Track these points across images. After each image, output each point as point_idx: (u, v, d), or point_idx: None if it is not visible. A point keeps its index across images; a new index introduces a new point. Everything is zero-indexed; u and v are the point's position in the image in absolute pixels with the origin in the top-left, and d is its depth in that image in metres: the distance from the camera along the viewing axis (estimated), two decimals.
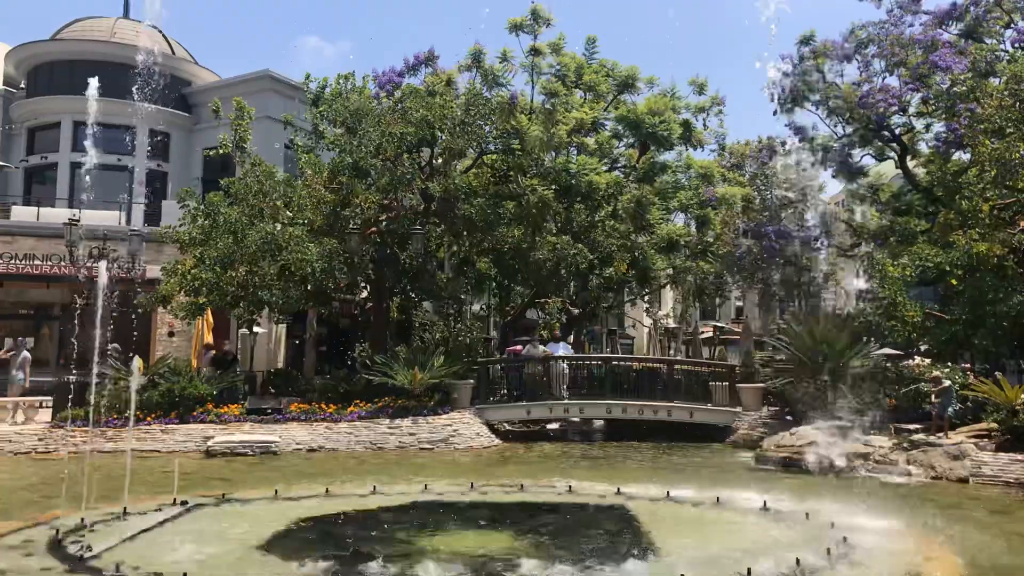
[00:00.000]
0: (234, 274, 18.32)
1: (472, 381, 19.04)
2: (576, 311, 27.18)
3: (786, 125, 26.48)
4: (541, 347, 20.30)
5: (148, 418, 16.48)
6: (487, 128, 21.46)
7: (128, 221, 25.70)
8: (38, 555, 7.17)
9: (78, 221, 19.00)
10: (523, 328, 26.58)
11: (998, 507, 10.45)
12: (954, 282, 16.26)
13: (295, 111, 25.33)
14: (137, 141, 28.79)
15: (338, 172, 19.79)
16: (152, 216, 26.67)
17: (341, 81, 22.11)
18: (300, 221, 19.60)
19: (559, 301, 26.57)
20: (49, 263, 23.68)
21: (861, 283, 29.92)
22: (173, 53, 31.08)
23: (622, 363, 21.87)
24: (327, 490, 10.52)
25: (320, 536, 8.32)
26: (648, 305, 35.71)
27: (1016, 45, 22.38)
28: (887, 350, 18.55)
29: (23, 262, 23.63)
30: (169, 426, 16.30)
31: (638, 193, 24.28)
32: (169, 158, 29.59)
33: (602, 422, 21.28)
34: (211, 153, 22.91)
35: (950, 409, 14.80)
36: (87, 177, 26.41)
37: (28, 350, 20.30)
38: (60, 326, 25.77)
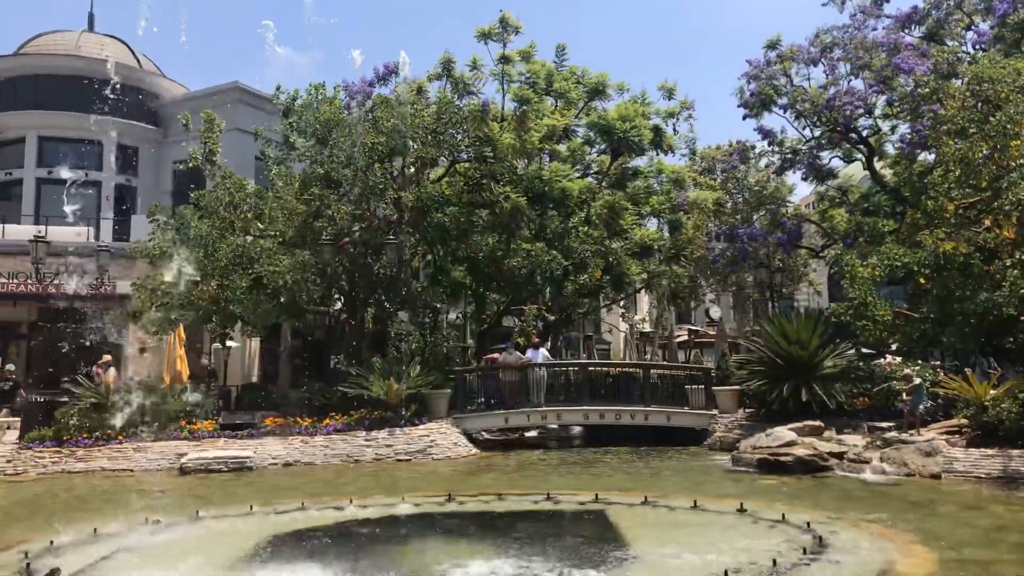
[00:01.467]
0: (205, 288, 18.13)
1: (449, 391, 18.97)
2: (552, 317, 27.21)
3: (755, 129, 26.77)
4: (517, 354, 20.28)
5: (120, 436, 16.21)
6: (459, 136, 21.48)
7: (97, 237, 25.37)
8: None
9: (45, 238, 18.72)
10: (499, 336, 26.56)
11: (970, 502, 10.59)
12: (922, 281, 16.47)
13: (265, 123, 25.18)
14: (105, 156, 28.46)
15: (309, 183, 19.69)
16: (122, 232, 26.36)
17: (312, 92, 22.01)
18: (272, 233, 19.47)
19: (535, 308, 26.59)
20: (15, 281, 23.28)
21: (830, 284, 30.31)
22: (140, 66, 30.79)
23: (599, 368, 21.89)
24: (303, 505, 10.41)
25: (296, 552, 8.22)
26: (623, 310, 35.82)
27: (977, 46, 22.82)
28: (859, 349, 18.80)
29: None
30: (141, 444, 16.05)
31: (611, 199, 24.40)
32: (138, 172, 29.25)
33: (580, 428, 21.29)
34: (181, 166, 22.69)
35: (921, 406, 15.01)
36: (69, 191, 26.06)
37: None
38: (28, 345, 25.34)
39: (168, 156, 29.14)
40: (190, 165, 21.64)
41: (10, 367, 17.64)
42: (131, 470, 15.07)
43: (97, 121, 27.30)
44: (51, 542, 8.42)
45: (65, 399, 17.01)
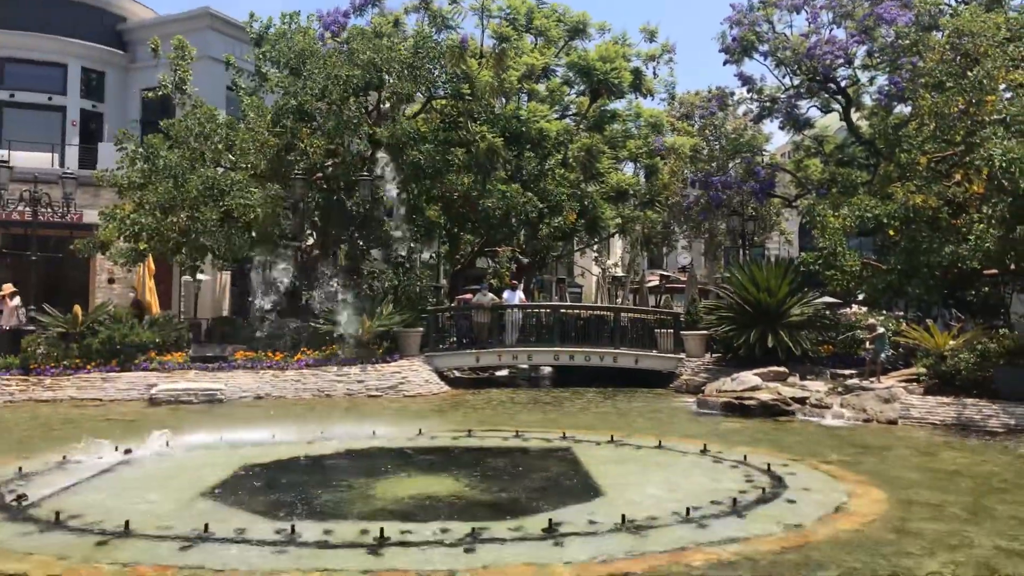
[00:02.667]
0: (175, 219, 17.87)
1: (421, 329, 19.05)
2: (526, 260, 27.27)
3: (735, 75, 26.59)
4: (491, 295, 20.35)
5: (88, 366, 16.12)
6: (436, 72, 21.09)
7: (62, 163, 24.75)
8: None
9: (8, 163, 18.22)
10: (472, 277, 26.59)
11: (923, 447, 10.96)
12: (891, 233, 16.71)
13: (237, 51, 24.49)
14: (69, 79, 27.57)
15: (282, 115, 19.30)
16: (88, 159, 25.71)
17: (285, 21, 21.40)
18: (243, 165, 19.14)
19: (509, 249, 26.62)
20: None
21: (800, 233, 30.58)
22: None
23: (570, 311, 22.07)
24: (273, 436, 10.50)
25: (266, 482, 8.32)
26: (596, 254, 35.98)
27: None
28: (826, 298, 19.12)
29: None
30: (110, 374, 15.99)
31: (588, 141, 24.26)
32: (104, 98, 28.39)
33: (550, 369, 21.56)
34: (150, 94, 22.04)
35: (883, 355, 15.39)
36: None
37: None
38: None
39: (136, 82, 28.26)
40: (159, 93, 21.04)
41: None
42: (100, 400, 15.04)
43: (61, 42, 26.41)
44: (19, 468, 8.43)
45: (31, 328, 16.82)
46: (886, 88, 23.36)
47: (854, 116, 26.01)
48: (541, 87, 25.94)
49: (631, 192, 26.34)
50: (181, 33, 22.64)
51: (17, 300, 18.38)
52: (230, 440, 10.34)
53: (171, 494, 7.47)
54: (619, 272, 40.86)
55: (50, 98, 27.43)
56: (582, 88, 26.56)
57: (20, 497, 7.11)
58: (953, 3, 22.89)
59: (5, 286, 18.01)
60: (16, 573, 5.28)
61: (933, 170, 16.73)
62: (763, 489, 7.68)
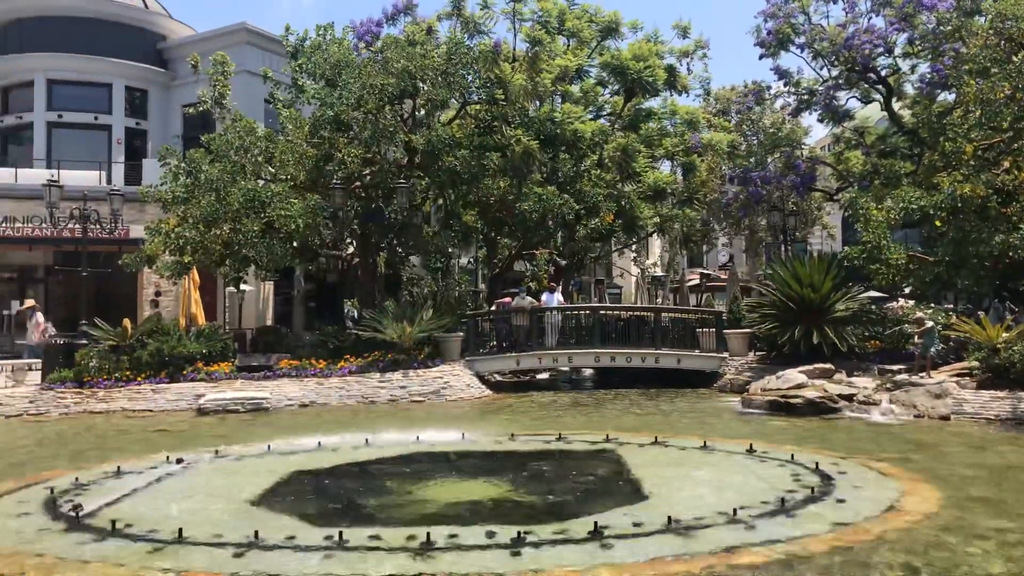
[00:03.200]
0: (218, 232, 18.21)
1: (461, 334, 19.13)
2: (563, 262, 27.23)
3: (771, 69, 26.23)
4: (529, 299, 20.36)
5: (139, 378, 16.51)
6: (470, 78, 21.19)
7: (108, 181, 25.39)
8: (33, 515, 7.24)
9: (58, 182, 18.76)
10: (511, 280, 26.64)
11: (977, 443, 10.69)
12: (938, 224, 16.34)
13: (274, 65, 24.89)
14: (114, 99, 28.30)
15: (319, 126, 19.55)
16: (133, 175, 26.36)
17: (320, 33, 21.69)
18: (282, 177, 19.44)
19: (546, 252, 26.61)
20: (30, 225, 23.46)
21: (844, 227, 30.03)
22: (147, 7, 30.34)
23: (610, 312, 21.96)
24: (319, 444, 10.63)
25: (314, 489, 8.44)
26: (635, 254, 35.76)
27: None
28: (871, 293, 18.75)
29: (3, 225, 23.41)
30: (160, 385, 16.35)
31: (624, 141, 24.14)
32: (148, 115, 29.08)
33: (591, 371, 21.48)
34: (191, 110, 22.52)
35: (932, 349, 15.04)
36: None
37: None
38: (45, 288, 25.65)
39: (177, 99, 28.90)
40: (199, 108, 21.49)
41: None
42: (150, 410, 15.38)
43: (105, 63, 27.12)
44: (75, 479, 8.66)
45: (84, 341, 17.28)
46: (928, 76, 22.84)
47: (895, 106, 25.48)
48: (575, 88, 25.89)
49: (669, 191, 26.13)
50: (219, 49, 23.11)
51: (40, 316, 18.84)
52: (277, 448, 10.50)
53: (222, 502, 7.61)
54: (658, 272, 40.56)
55: (96, 117, 28.19)
56: (616, 88, 26.46)
57: (77, 507, 7.30)
58: None
59: (27, 301, 18.40)
60: None
61: (980, 158, 16.32)
62: (812, 488, 7.56)
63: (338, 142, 19.25)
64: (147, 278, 23.79)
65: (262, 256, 18.40)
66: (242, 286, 22.32)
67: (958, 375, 14.26)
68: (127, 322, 17.68)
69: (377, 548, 5.95)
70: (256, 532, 6.25)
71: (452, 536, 6.14)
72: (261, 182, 19.34)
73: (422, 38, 22.04)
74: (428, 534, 6.02)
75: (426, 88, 20.27)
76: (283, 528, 6.54)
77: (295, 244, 19.19)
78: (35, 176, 23.46)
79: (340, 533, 6.18)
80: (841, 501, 7.19)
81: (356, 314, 20.54)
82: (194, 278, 20.70)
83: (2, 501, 7.86)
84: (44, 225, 22.32)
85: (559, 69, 23.86)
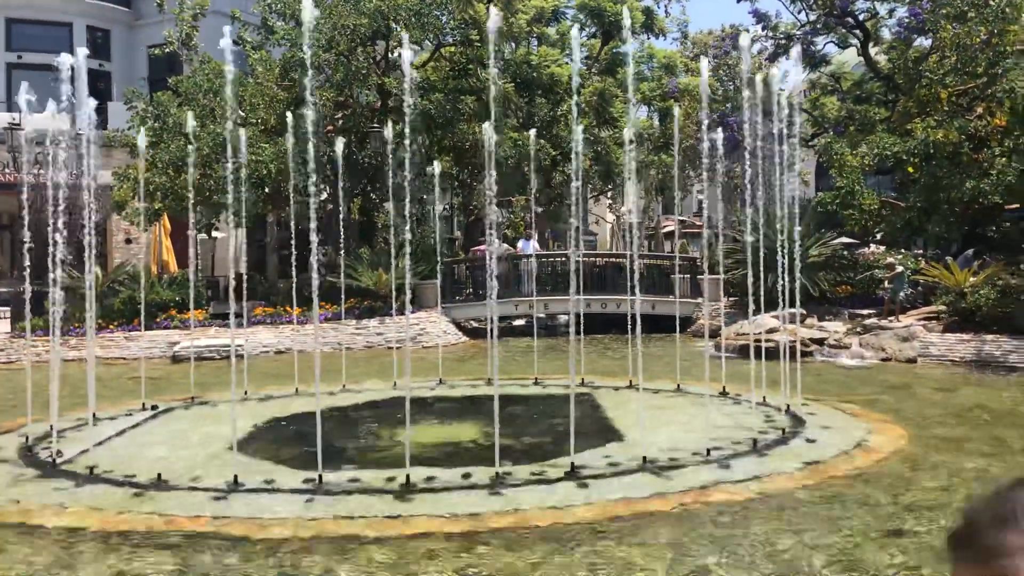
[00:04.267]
0: (188, 177, 17.85)
1: (437, 281, 19.07)
2: (540, 209, 27.13)
3: (749, 12, 25.91)
4: (505, 245, 20.33)
5: (111, 326, 16.33)
6: (444, 18, 20.74)
7: (72, 124, 24.69)
8: (9, 463, 7.21)
9: (20, 125, 18.22)
10: (487, 227, 26.53)
11: (943, 384, 10.97)
12: (911, 170, 16.47)
13: (243, 5, 24.15)
14: (75, 38, 27.37)
15: (290, 68, 19.09)
16: (98, 119, 25.67)
17: None
18: (253, 121, 19.03)
19: (522, 199, 26.48)
20: None
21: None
22: None
23: (585, 259, 22.01)
24: (296, 390, 10.65)
25: (291, 434, 8.48)
26: (611, 200, 35.75)
27: None
28: (844, 239, 18.96)
29: None
30: (133, 333, 16.19)
31: (601, 85, 23.90)
32: (111, 57, 28.20)
33: (566, 317, 21.60)
34: (156, 51, 21.87)
35: (902, 294, 15.29)
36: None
37: None
38: (11, 235, 25.11)
39: (142, 40, 28.02)
40: (166, 50, 20.88)
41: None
42: (124, 358, 15.27)
43: (68, 2, 26.13)
44: (51, 426, 8.60)
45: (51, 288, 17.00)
46: (906, 20, 22.68)
47: (872, 51, 25.35)
48: (551, 31, 25.47)
49: (645, 136, 26.02)
50: None
51: None
52: (254, 394, 10.49)
53: (201, 448, 7.63)
54: (634, 218, 40.58)
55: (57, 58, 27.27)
56: (593, 31, 26.07)
57: (56, 454, 7.27)
58: None
59: None
60: (57, 526, 5.43)
61: (954, 104, 16.39)
62: (783, 429, 7.74)
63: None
64: (117, 224, 23.37)
65: (233, 202, 18.07)
66: (214, 233, 22.01)
67: (925, 319, 14.56)
68: (98, 269, 17.40)
69: (357, 491, 6.01)
70: (236, 477, 6.28)
71: (431, 478, 6.22)
72: (230, 126, 18.91)
73: None
74: (408, 476, 6.09)
75: (398, 29, 19.81)
76: (263, 472, 6.58)
77: (267, 190, 18.90)
78: None
79: (320, 476, 6.23)
80: (811, 441, 7.38)
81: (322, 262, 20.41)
82: (165, 225, 20.37)
83: None
84: (7, 170, 21.76)
85: (535, 10, 23.43)
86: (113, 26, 28.18)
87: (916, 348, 13.16)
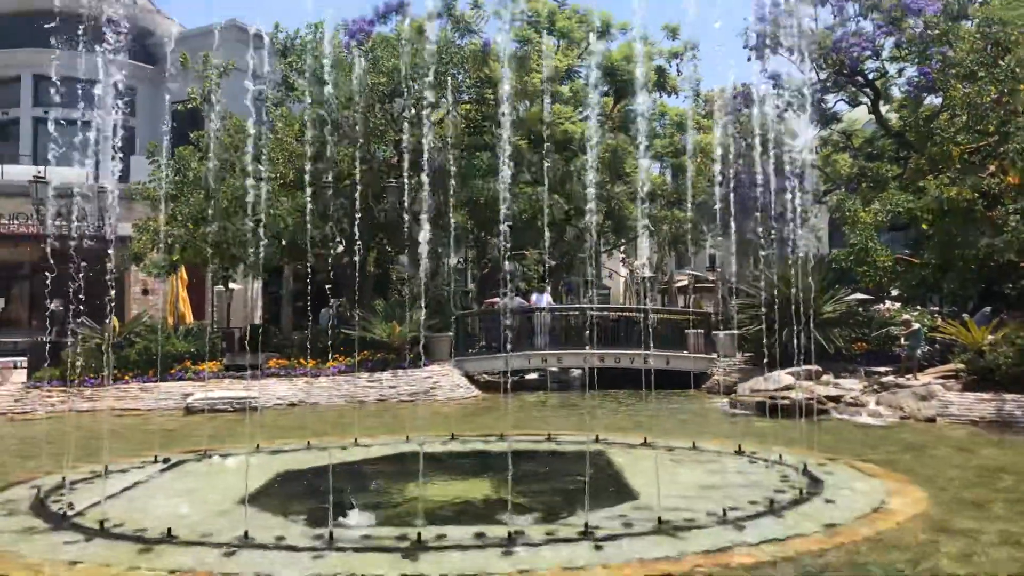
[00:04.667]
0: (207, 230, 18.12)
1: (451, 334, 19.11)
2: (552, 263, 27.25)
3: (760, 71, 26.34)
4: (518, 299, 20.37)
5: (126, 376, 16.41)
6: (460, 77, 21.18)
7: (96, 178, 25.19)
8: (20, 514, 7.19)
9: (44, 178, 18.63)
10: (501, 281, 26.61)
11: (963, 444, 10.78)
12: (924, 227, 16.48)
13: (263, 63, 24.77)
14: (101, 95, 28.08)
15: (310, 125, 19.47)
16: (120, 172, 26.19)
17: (311, 31, 21.61)
18: (272, 175, 19.37)
19: (536, 253, 26.63)
20: (16, 222, 23.28)
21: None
22: (135, 2, 30.13)
23: (599, 313, 22.00)
24: (308, 443, 10.60)
25: (303, 489, 8.42)
26: (624, 255, 35.85)
27: None
28: (858, 295, 18.88)
29: None
30: (147, 384, 16.26)
31: (613, 143, 24.19)
32: (136, 112, 28.88)
33: (580, 371, 21.51)
34: (179, 106, 22.37)
35: (919, 351, 15.15)
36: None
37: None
38: (31, 286, 25.43)
39: (165, 96, 28.70)
40: (188, 106, 21.37)
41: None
42: (138, 409, 15.29)
43: (93, 60, 26.86)
44: (63, 478, 8.59)
45: (70, 340, 17.15)
46: (915, 79, 22.97)
47: (883, 109, 25.64)
48: (565, 88, 25.90)
49: (658, 192, 26.21)
50: (208, 46, 22.94)
51: None
52: (266, 448, 10.46)
53: (211, 502, 7.58)
54: (647, 273, 40.65)
55: (83, 113, 27.95)
56: (606, 89, 26.48)
57: (68, 506, 7.25)
58: None
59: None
60: None
61: (966, 162, 16.46)
62: (800, 489, 7.61)
63: (328, 141, 19.20)
64: (135, 276, 23.63)
65: (250, 255, 18.32)
66: (230, 284, 22.21)
67: (944, 377, 14.38)
68: (115, 320, 17.56)
69: (367, 548, 5.94)
70: (246, 532, 6.23)
71: (442, 536, 6.14)
72: (250, 180, 19.26)
73: (413, 37, 22.00)
74: (419, 534, 6.02)
75: (416, 87, 20.23)
76: (273, 528, 6.52)
77: (284, 243, 19.11)
78: (21, 172, 23.27)
79: (330, 533, 6.17)
80: (830, 502, 7.25)
81: (334, 317, 20.55)
82: (182, 276, 20.59)
83: None
84: (30, 222, 22.15)
85: (549, 69, 23.87)
86: (138, 83, 28.91)
87: (935, 407, 12.98)
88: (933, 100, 22.72)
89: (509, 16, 23.56)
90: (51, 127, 27.33)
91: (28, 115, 27.71)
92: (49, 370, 16.30)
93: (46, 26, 27.18)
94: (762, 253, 30.91)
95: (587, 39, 25.85)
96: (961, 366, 14.16)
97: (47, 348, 17.14)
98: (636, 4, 24.56)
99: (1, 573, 5.58)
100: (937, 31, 20.08)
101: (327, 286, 22.62)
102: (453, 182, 20.19)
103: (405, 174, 19.69)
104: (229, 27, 27.52)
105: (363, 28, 24.06)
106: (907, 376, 14.58)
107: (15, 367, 17.38)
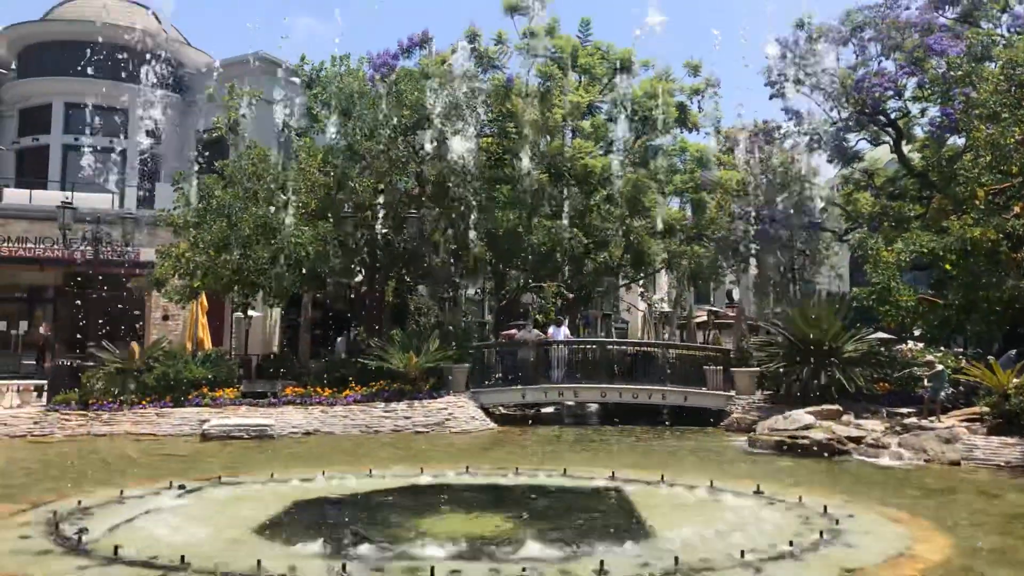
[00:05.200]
0: (228, 258, 18.30)
1: (467, 365, 19.07)
2: (571, 295, 27.22)
3: (782, 109, 26.40)
4: (536, 332, 20.33)
5: (143, 401, 16.49)
6: (482, 111, 21.41)
7: (122, 204, 25.61)
8: (36, 538, 7.19)
9: (71, 203, 18.94)
10: (518, 313, 26.61)
11: (988, 489, 10.55)
12: (948, 267, 16.31)
13: (289, 94, 25.20)
14: (130, 124, 28.65)
15: (332, 155, 19.74)
16: (146, 199, 26.60)
17: (336, 63, 21.97)
18: (294, 204, 19.58)
19: (554, 285, 26.62)
20: (42, 246, 23.62)
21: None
22: (165, 34, 30.81)
23: (617, 347, 21.90)
24: (323, 473, 10.57)
25: (316, 519, 8.37)
26: (643, 289, 35.74)
27: (1012, 29, 22.32)
28: (880, 334, 18.67)
29: (15, 244, 23.56)
30: (164, 409, 16.32)
31: (633, 177, 24.27)
32: (162, 140, 29.39)
33: (596, 406, 21.36)
34: (205, 135, 22.78)
35: (942, 393, 14.91)
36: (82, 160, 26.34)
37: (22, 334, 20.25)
38: (54, 309, 25.74)
39: (192, 125, 29.24)
40: (214, 135, 21.74)
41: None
42: (154, 434, 15.33)
43: (123, 89, 27.48)
44: (79, 502, 8.61)
45: (91, 363, 17.30)
46: (938, 120, 22.92)
47: (905, 148, 25.56)
48: (586, 123, 26.09)
49: (678, 227, 26.20)
50: (234, 76, 23.43)
51: None
52: (281, 476, 10.43)
53: (225, 530, 7.56)
54: (666, 308, 40.48)
55: (111, 141, 28.50)
56: (627, 125, 26.62)
57: (81, 531, 7.25)
58: (1006, 34, 22.52)
59: None
60: None
61: (990, 203, 16.33)
62: (820, 532, 7.46)
63: (350, 172, 19.43)
64: (155, 301, 23.87)
65: (271, 282, 18.47)
66: (250, 312, 22.35)
67: (968, 420, 14.12)
68: (135, 345, 17.70)
69: None
70: (259, 562, 6.18)
71: (456, 572, 6.07)
72: (272, 209, 19.49)
73: (436, 71, 22.32)
74: (432, 568, 5.95)
75: (439, 121, 20.47)
76: (285, 558, 6.48)
77: (304, 271, 19.26)
78: (49, 198, 23.69)
79: (343, 565, 6.12)
80: (850, 546, 7.10)
81: (346, 346, 20.65)
82: (202, 303, 20.74)
83: (4, 523, 7.81)
84: (56, 246, 22.48)
85: (570, 105, 24.08)
86: (166, 112, 29.47)
87: (959, 451, 12.73)
88: (956, 141, 22.64)
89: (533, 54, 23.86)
90: (81, 154, 27.91)
91: (58, 142, 28.27)
92: (69, 394, 16.42)
93: (78, 56, 27.85)
94: (780, 290, 30.78)
95: (609, 75, 26.10)
96: (985, 409, 13.91)
97: (67, 372, 17.32)
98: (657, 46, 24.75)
99: None
100: (960, 72, 20.06)
101: (347, 315, 22.80)
102: (473, 215, 20.39)
103: (425, 206, 19.90)
104: (255, 58, 28.10)
105: (387, 62, 24.42)
106: (930, 418, 14.33)
107: (34, 390, 17.53)
